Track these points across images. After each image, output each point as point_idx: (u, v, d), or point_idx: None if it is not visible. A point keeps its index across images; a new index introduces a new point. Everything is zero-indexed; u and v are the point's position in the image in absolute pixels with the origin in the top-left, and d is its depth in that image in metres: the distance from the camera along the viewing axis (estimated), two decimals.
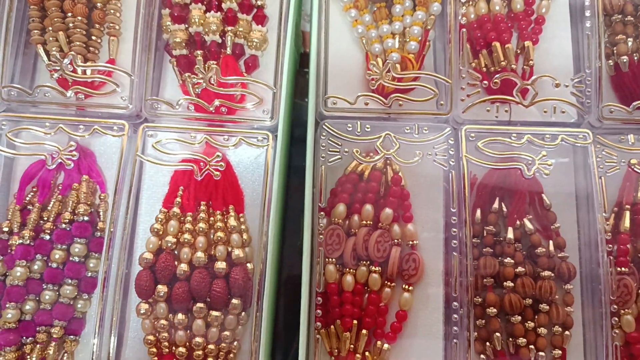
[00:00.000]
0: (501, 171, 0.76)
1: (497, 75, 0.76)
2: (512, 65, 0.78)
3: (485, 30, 0.79)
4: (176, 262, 0.71)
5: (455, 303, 0.70)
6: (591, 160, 0.74)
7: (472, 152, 0.74)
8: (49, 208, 0.75)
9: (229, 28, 0.77)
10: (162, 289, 0.70)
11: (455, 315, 0.70)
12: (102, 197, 0.76)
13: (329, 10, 0.79)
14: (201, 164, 0.73)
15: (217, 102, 0.74)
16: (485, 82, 0.76)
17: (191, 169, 0.73)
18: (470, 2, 0.80)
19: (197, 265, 0.71)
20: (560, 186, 0.77)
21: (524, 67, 0.79)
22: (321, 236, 0.72)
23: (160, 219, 0.72)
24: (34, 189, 0.77)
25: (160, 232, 0.72)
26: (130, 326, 0.72)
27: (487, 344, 0.73)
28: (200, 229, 0.72)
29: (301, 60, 0.99)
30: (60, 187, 0.76)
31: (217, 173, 0.72)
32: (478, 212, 0.76)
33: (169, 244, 0.71)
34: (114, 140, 0.76)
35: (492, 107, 0.77)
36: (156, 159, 0.74)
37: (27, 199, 0.76)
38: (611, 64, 0.80)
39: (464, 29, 0.77)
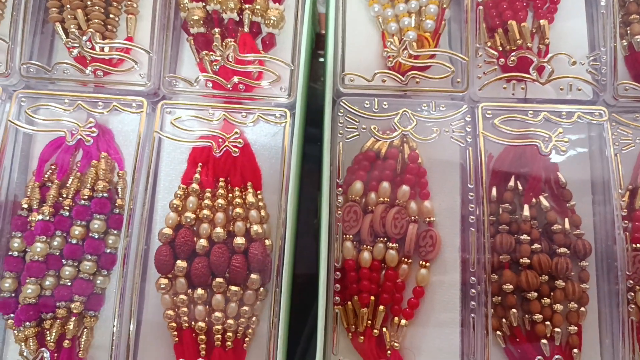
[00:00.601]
0: (517, 149, 0.77)
1: (513, 53, 0.76)
2: (528, 44, 0.78)
3: (500, 8, 0.79)
4: (195, 238, 0.71)
5: (472, 278, 0.71)
6: (607, 137, 0.75)
7: (489, 129, 0.74)
8: (67, 185, 0.75)
9: (247, 6, 0.77)
10: (181, 264, 0.70)
11: (472, 291, 0.70)
12: (120, 175, 0.76)
13: None
14: (219, 140, 0.73)
15: (235, 79, 0.74)
16: (502, 59, 0.76)
17: (209, 146, 0.73)
18: None
19: (216, 240, 0.71)
20: (575, 164, 0.78)
21: (540, 45, 0.79)
22: (339, 212, 0.72)
23: (179, 195, 0.73)
24: (53, 167, 0.77)
25: (179, 208, 0.72)
26: (150, 302, 0.72)
27: (504, 320, 0.73)
28: (219, 205, 0.72)
29: (316, 42, 0.99)
30: (79, 165, 0.76)
31: (236, 150, 0.73)
32: (494, 190, 0.77)
33: (188, 220, 0.71)
34: (132, 117, 0.77)
35: (508, 85, 0.77)
36: (174, 136, 0.74)
37: (46, 176, 0.76)
38: (625, 44, 0.80)
39: (481, 7, 0.77)
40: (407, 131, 0.74)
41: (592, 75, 0.76)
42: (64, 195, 0.75)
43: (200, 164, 0.74)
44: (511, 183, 0.77)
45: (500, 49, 0.79)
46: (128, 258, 0.71)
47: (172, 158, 0.76)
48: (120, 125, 0.78)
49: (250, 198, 0.73)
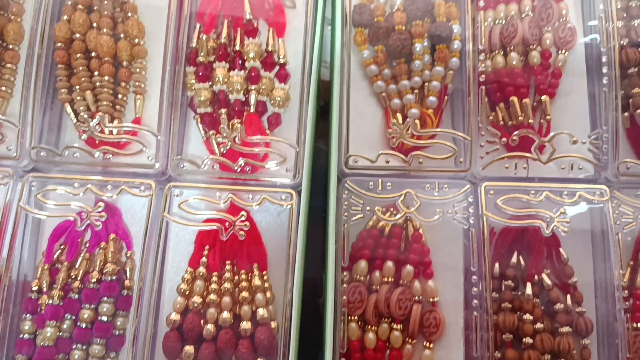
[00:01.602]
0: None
1: (515, 132, 0.77)
2: (530, 120, 0.79)
3: (502, 84, 0.80)
4: (202, 322, 0.73)
5: (475, 354, 0.72)
6: (608, 216, 0.75)
7: (492, 208, 0.75)
8: (76, 266, 0.77)
9: (253, 87, 0.78)
10: (189, 349, 0.72)
11: None
12: (128, 255, 0.78)
13: (350, 67, 0.80)
14: (226, 223, 0.74)
15: (241, 161, 0.76)
16: (504, 139, 0.77)
17: (216, 229, 0.74)
18: (488, 56, 0.81)
19: (222, 325, 0.72)
20: (577, 239, 0.78)
21: (541, 121, 0.80)
22: (344, 297, 0.73)
23: (186, 279, 0.74)
24: (62, 247, 0.78)
25: (187, 292, 0.74)
26: None
27: None
28: (226, 289, 0.74)
29: (321, 108, 1.00)
30: (87, 245, 0.78)
31: (242, 233, 0.74)
32: (496, 266, 0.78)
33: (196, 304, 0.73)
34: (139, 198, 0.78)
35: (510, 163, 0.78)
36: (182, 219, 0.75)
37: (55, 256, 0.78)
38: (627, 115, 0.81)
39: (483, 86, 0.78)
40: (411, 213, 0.75)
41: (594, 154, 0.77)
42: (73, 276, 0.76)
43: (207, 247, 0.75)
44: (513, 259, 0.78)
45: (502, 123, 0.80)
46: (137, 341, 0.72)
47: (180, 239, 0.78)
48: (129, 204, 0.80)
49: (256, 281, 0.75)
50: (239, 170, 0.77)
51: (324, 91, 0.95)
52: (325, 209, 0.89)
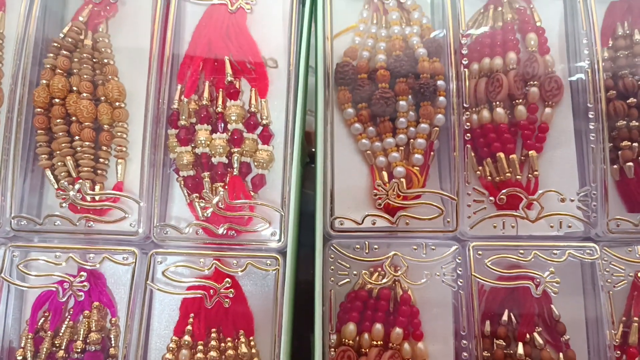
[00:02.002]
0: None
1: (503, 191, 0.76)
2: (517, 176, 0.78)
3: (489, 139, 0.79)
4: None
5: None
6: (598, 275, 0.75)
7: (480, 267, 0.75)
8: (60, 334, 0.76)
9: (236, 149, 0.77)
10: None
11: None
12: (113, 322, 0.76)
13: (334, 125, 0.79)
14: (211, 291, 0.73)
15: (225, 226, 0.75)
16: (492, 198, 0.76)
17: (201, 296, 0.73)
18: (473, 110, 0.80)
19: None
20: (568, 296, 0.77)
21: (529, 176, 0.79)
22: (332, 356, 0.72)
23: (172, 349, 0.73)
24: (46, 314, 0.77)
25: None
26: None
27: None
28: (212, 357, 0.72)
29: (308, 154, 1.00)
30: (71, 312, 0.76)
31: (227, 300, 0.73)
32: (487, 324, 0.77)
33: None
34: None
35: (498, 222, 0.77)
36: (166, 286, 0.74)
37: (39, 324, 0.76)
38: (616, 168, 0.80)
39: (469, 145, 0.77)
40: (399, 276, 0.74)
41: (583, 211, 0.76)
42: (57, 345, 0.75)
43: (192, 315, 0.74)
44: (504, 317, 0.77)
45: (489, 178, 0.79)
46: None
47: (165, 305, 0.77)
48: (113, 269, 0.79)
49: (243, 348, 0.73)
50: (223, 233, 0.75)
51: (310, 141, 0.94)
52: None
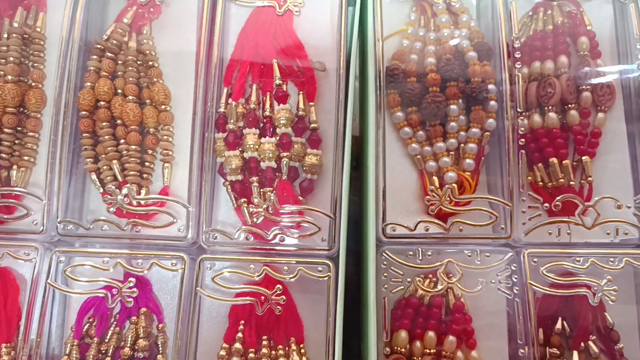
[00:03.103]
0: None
1: (558, 198, 0.75)
2: (571, 182, 0.77)
3: (541, 144, 0.78)
4: None
5: None
6: None
7: (535, 275, 0.73)
8: (106, 340, 0.74)
9: (284, 154, 0.76)
10: None
11: None
12: (160, 328, 0.75)
13: (384, 129, 0.77)
14: (262, 297, 0.72)
15: (275, 231, 0.73)
16: (546, 205, 0.75)
17: (251, 303, 0.72)
18: (524, 114, 0.79)
19: None
20: (622, 304, 0.76)
21: (582, 181, 0.78)
22: None
23: (222, 356, 0.72)
24: (90, 320, 0.76)
25: None
26: None
27: None
28: None
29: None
30: (117, 318, 0.75)
31: (279, 308, 0.72)
32: (540, 333, 0.75)
33: None
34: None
35: (553, 229, 0.76)
36: (216, 292, 0.73)
37: (84, 330, 0.75)
38: None
39: (523, 150, 0.76)
40: (453, 284, 0.73)
41: (639, 218, 0.74)
42: (103, 352, 0.74)
43: (242, 322, 0.73)
44: (558, 326, 0.75)
45: (541, 183, 0.78)
46: None
47: (213, 312, 0.76)
48: (159, 274, 0.78)
49: (295, 356, 0.72)
50: (272, 238, 0.74)
51: (355, 146, 0.93)
52: (359, 270, 0.87)
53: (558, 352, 0.75)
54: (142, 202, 0.75)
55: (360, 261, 0.90)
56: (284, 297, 0.72)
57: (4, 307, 0.75)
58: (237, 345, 0.72)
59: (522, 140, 0.77)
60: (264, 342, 0.73)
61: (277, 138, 0.77)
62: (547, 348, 0.75)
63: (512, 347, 0.75)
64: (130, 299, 0.73)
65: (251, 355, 0.72)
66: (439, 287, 0.73)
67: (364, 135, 0.84)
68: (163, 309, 0.77)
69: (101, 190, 0.78)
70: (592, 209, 0.74)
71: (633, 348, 0.76)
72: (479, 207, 0.75)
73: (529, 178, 0.79)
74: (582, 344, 0.75)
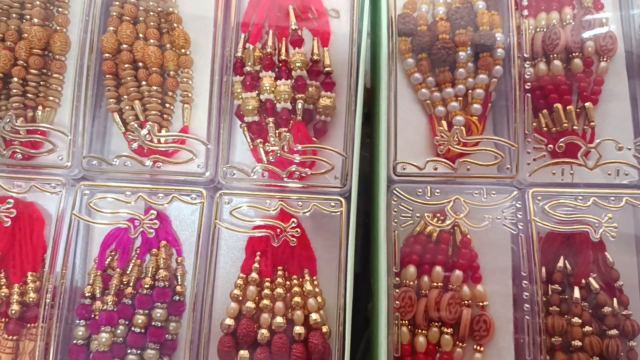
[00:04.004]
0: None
1: (562, 139, 0.78)
2: (574, 127, 0.80)
3: (546, 91, 0.81)
4: (256, 326, 0.73)
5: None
6: None
7: (539, 213, 0.76)
8: (127, 272, 0.78)
9: (299, 95, 0.79)
10: (244, 354, 0.73)
11: None
12: (179, 261, 0.78)
13: (396, 75, 0.81)
14: (277, 230, 0.75)
15: (292, 168, 0.76)
16: (550, 146, 0.78)
17: (267, 235, 0.75)
18: (530, 63, 0.82)
19: (276, 330, 0.73)
20: (622, 244, 0.79)
21: (585, 127, 0.81)
22: (397, 302, 0.74)
23: (239, 285, 0.75)
24: (113, 253, 0.79)
25: (240, 298, 0.74)
26: None
27: None
28: (279, 294, 0.74)
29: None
30: (138, 251, 0.78)
31: (294, 239, 0.75)
32: (543, 271, 0.79)
33: (249, 309, 0.74)
34: (187, 204, 0.78)
35: (557, 170, 0.79)
36: (233, 225, 0.76)
37: (107, 262, 0.78)
38: None
39: (529, 94, 0.79)
40: (460, 219, 0.76)
41: (639, 160, 0.77)
42: (125, 282, 0.77)
43: (258, 253, 0.76)
44: (560, 264, 0.79)
45: (545, 129, 0.81)
46: (192, 345, 0.73)
47: (230, 246, 0.79)
48: (177, 211, 0.81)
49: (308, 286, 0.75)
50: (287, 177, 0.77)
51: (366, 98, 0.96)
52: (367, 212, 0.90)
53: (560, 288, 0.78)
54: (163, 140, 0.78)
55: (369, 217, 0.93)
56: (298, 230, 0.76)
57: (30, 238, 0.78)
58: (254, 274, 0.76)
59: (528, 85, 0.80)
60: (279, 273, 0.76)
61: (293, 81, 0.80)
62: (549, 285, 0.78)
63: (516, 284, 0.78)
64: (152, 230, 0.76)
65: (267, 284, 0.75)
66: (447, 222, 0.76)
67: (375, 84, 0.87)
68: (182, 244, 0.80)
69: (123, 130, 0.81)
70: (594, 150, 0.78)
71: (632, 286, 0.79)
72: (487, 148, 0.78)
73: (534, 124, 0.82)
74: (583, 281, 0.78)
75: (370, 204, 0.91)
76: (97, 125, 0.83)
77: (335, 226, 0.78)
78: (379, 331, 0.72)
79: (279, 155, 0.77)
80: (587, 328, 0.76)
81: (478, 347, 0.76)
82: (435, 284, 0.77)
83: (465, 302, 0.77)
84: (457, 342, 0.76)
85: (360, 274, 0.75)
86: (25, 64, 0.80)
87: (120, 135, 0.83)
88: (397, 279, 0.76)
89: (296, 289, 0.75)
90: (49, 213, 0.80)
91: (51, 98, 0.82)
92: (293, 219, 0.76)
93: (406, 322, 0.76)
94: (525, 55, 0.81)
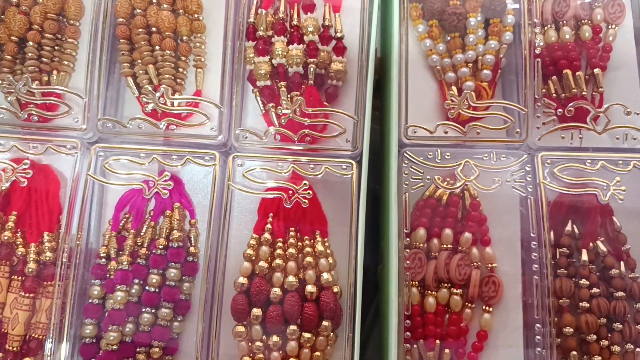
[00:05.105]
0: (573, 194, 0.79)
1: (571, 104, 0.79)
2: (583, 92, 0.81)
3: (556, 57, 0.82)
4: (268, 285, 0.75)
5: (538, 325, 0.74)
6: None
7: (548, 178, 0.77)
8: (141, 233, 0.79)
9: (311, 60, 0.80)
10: (257, 312, 0.74)
11: (538, 337, 0.73)
12: (192, 223, 0.79)
13: (407, 41, 0.82)
14: (290, 192, 0.76)
15: (303, 132, 0.77)
16: (560, 110, 0.79)
17: (279, 197, 0.76)
18: (540, 30, 0.83)
19: (288, 289, 0.74)
20: (629, 208, 0.80)
21: (593, 93, 0.82)
22: (407, 261, 0.75)
23: (252, 245, 0.76)
24: (127, 215, 0.80)
25: (253, 258, 0.76)
26: (225, 344, 0.75)
27: None
28: (291, 254, 0.76)
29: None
30: (152, 214, 0.80)
31: (305, 201, 0.76)
32: (551, 234, 0.80)
33: (262, 269, 0.75)
34: (200, 168, 0.80)
35: (566, 134, 0.80)
36: (246, 187, 0.77)
37: (121, 224, 0.80)
38: None
39: (539, 59, 0.80)
40: (470, 181, 0.77)
41: None
42: (139, 244, 0.78)
43: (271, 214, 0.77)
44: (568, 227, 0.80)
45: (555, 95, 0.82)
46: (207, 305, 0.74)
47: (242, 208, 0.80)
48: (190, 174, 0.82)
49: (319, 247, 0.77)
50: (298, 140, 0.78)
51: (377, 68, 0.97)
52: (374, 188, 0.91)
53: (567, 251, 0.79)
54: (176, 103, 0.79)
55: (376, 189, 0.94)
56: (310, 192, 0.77)
57: (45, 199, 0.79)
58: (266, 235, 0.77)
59: (538, 50, 0.81)
60: (291, 234, 0.77)
61: (304, 46, 0.81)
62: (557, 249, 0.79)
63: (525, 247, 0.79)
64: (166, 191, 0.77)
65: (279, 244, 0.77)
66: (458, 184, 0.77)
67: (386, 51, 0.88)
68: (195, 207, 0.81)
69: (137, 94, 0.82)
70: (603, 115, 0.78)
71: (638, 247, 0.80)
72: (496, 112, 0.79)
73: (543, 91, 0.83)
74: (591, 244, 0.79)
75: (378, 177, 0.91)
76: (111, 90, 0.84)
77: (346, 189, 0.79)
78: (390, 291, 0.73)
79: (290, 118, 0.78)
80: (595, 290, 0.77)
81: (487, 308, 0.77)
82: (444, 246, 0.78)
83: (475, 263, 0.78)
84: (467, 303, 0.77)
85: (368, 240, 0.75)
86: (40, 29, 0.81)
87: (133, 101, 0.84)
88: (407, 239, 0.77)
89: (308, 249, 0.76)
90: (64, 176, 0.81)
91: (66, 62, 0.83)
92: (305, 181, 0.77)
93: (416, 283, 0.77)
94: (535, 20, 0.81)
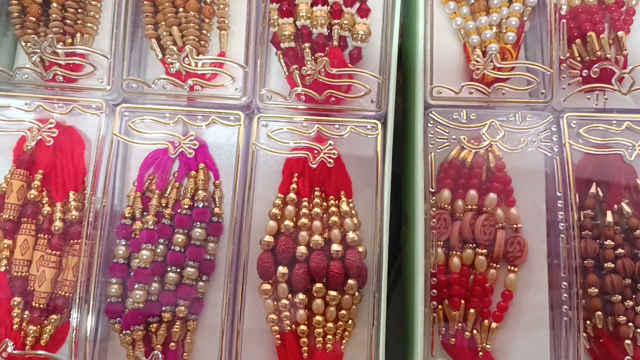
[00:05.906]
0: (597, 156, 0.79)
1: (596, 65, 0.78)
2: (607, 55, 0.81)
3: (579, 20, 0.82)
4: (294, 244, 0.75)
5: (564, 283, 0.74)
6: None
7: (574, 137, 0.77)
8: (166, 194, 0.79)
9: (335, 21, 0.80)
10: (283, 270, 0.74)
11: (565, 295, 0.73)
12: (216, 184, 0.79)
13: (433, 5, 0.81)
14: (315, 152, 0.76)
15: (329, 92, 0.77)
16: (585, 71, 0.79)
17: (304, 157, 0.76)
18: None
19: (314, 247, 0.74)
20: None
21: (617, 56, 0.82)
22: (433, 220, 0.75)
23: (277, 204, 0.76)
24: (151, 177, 0.80)
25: (278, 217, 0.76)
26: (250, 303, 0.76)
27: (588, 322, 0.76)
28: (316, 214, 0.76)
29: None
30: (176, 175, 0.80)
31: (331, 161, 0.76)
32: (576, 197, 0.79)
33: (287, 228, 0.75)
34: (225, 129, 0.80)
35: (591, 95, 0.80)
36: (271, 148, 0.77)
37: (145, 185, 0.80)
38: None
39: (564, 20, 0.80)
40: (496, 142, 0.77)
41: None
42: (164, 204, 0.78)
43: (296, 174, 0.77)
44: (592, 190, 0.80)
45: (579, 59, 0.82)
46: (233, 265, 0.75)
47: (266, 169, 0.80)
48: (214, 136, 0.82)
49: (344, 207, 0.77)
50: (323, 101, 0.78)
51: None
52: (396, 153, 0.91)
53: (592, 213, 0.79)
54: (200, 64, 0.79)
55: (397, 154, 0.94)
56: (335, 152, 0.77)
57: (71, 159, 0.79)
58: (292, 195, 0.77)
59: (564, 10, 0.81)
60: (316, 193, 0.77)
61: (329, 7, 0.81)
62: (581, 211, 0.79)
63: (549, 208, 0.79)
64: (191, 151, 0.77)
65: (304, 204, 0.77)
66: (483, 144, 0.77)
67: (411, 14, 0.87)
68: (219, 169, 0.81)
69: (160, 56, 0.82)
70: (628, 75, 0.78)
71: None
72: (522, 73, 0.78)
73: (567, 54, 0.82)
74: (616, 206, 0.79)
75: (399, 143, 0.91)
76: (134, 54, 0.84)
77: (371, 150, 0.79)
78: (417, 251, 0.73)
79: (315, 78, 0.77)
80: (620, 250, 0.76)
81: (512, 268, 0.77)
82: (469, 206, 0.78)
83: (500, 224, 0.78)
84: (491, 263, 0.77)
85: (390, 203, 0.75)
86: None
87: (156, 64, 0.84)
88: (433, 198, 0.76)
89: (333, 208, 0.76)
90: (88, 137, 0.81)
91: (89, 25, 0.83)
92: (330, 141, 0.77)
93: (441, 243, 0.77)
94: None
